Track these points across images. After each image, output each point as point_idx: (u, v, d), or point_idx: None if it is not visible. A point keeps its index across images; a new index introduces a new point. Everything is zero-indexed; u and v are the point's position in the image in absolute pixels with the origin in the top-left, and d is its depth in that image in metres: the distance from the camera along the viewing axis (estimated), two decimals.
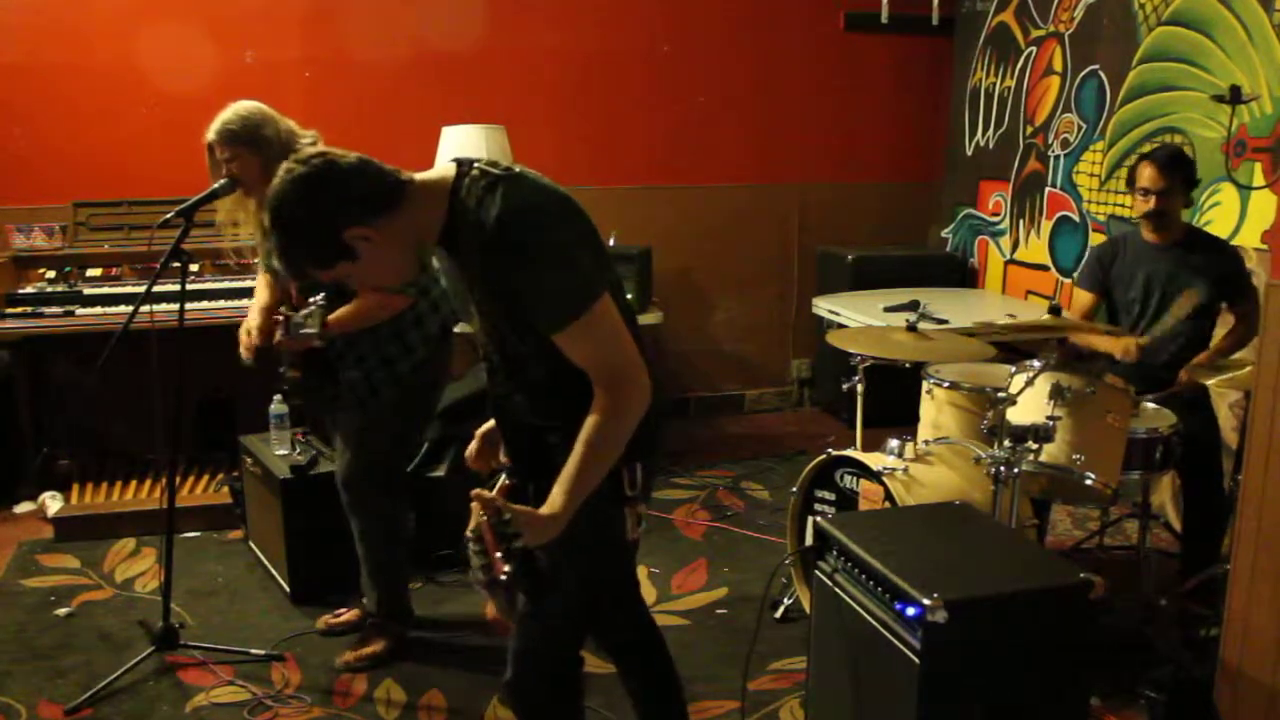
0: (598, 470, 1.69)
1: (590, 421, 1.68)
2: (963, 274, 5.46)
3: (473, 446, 2.07)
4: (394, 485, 2.97)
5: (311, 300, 2.65)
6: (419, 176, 1.75)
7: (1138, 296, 3.39)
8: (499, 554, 1.54)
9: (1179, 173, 3.29)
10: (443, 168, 1.77)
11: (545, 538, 1.66)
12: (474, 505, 1.60)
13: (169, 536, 2.92)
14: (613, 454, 1.70)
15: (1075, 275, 3.67)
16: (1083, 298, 3.57)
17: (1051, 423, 2.75)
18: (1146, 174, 3.30)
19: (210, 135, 2.71)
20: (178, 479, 3.43)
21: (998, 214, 5.26)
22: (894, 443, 2.97)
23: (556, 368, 1.72)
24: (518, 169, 1.74)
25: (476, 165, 1.73)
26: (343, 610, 3.21)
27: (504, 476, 1.95)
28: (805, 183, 5.54)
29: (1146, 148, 3.95)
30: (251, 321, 2.87)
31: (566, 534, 1.75)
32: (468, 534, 1.59)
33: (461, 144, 4.24)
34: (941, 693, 1.90)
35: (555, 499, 1.66)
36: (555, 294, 1.67)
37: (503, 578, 1.53)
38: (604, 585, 1.98)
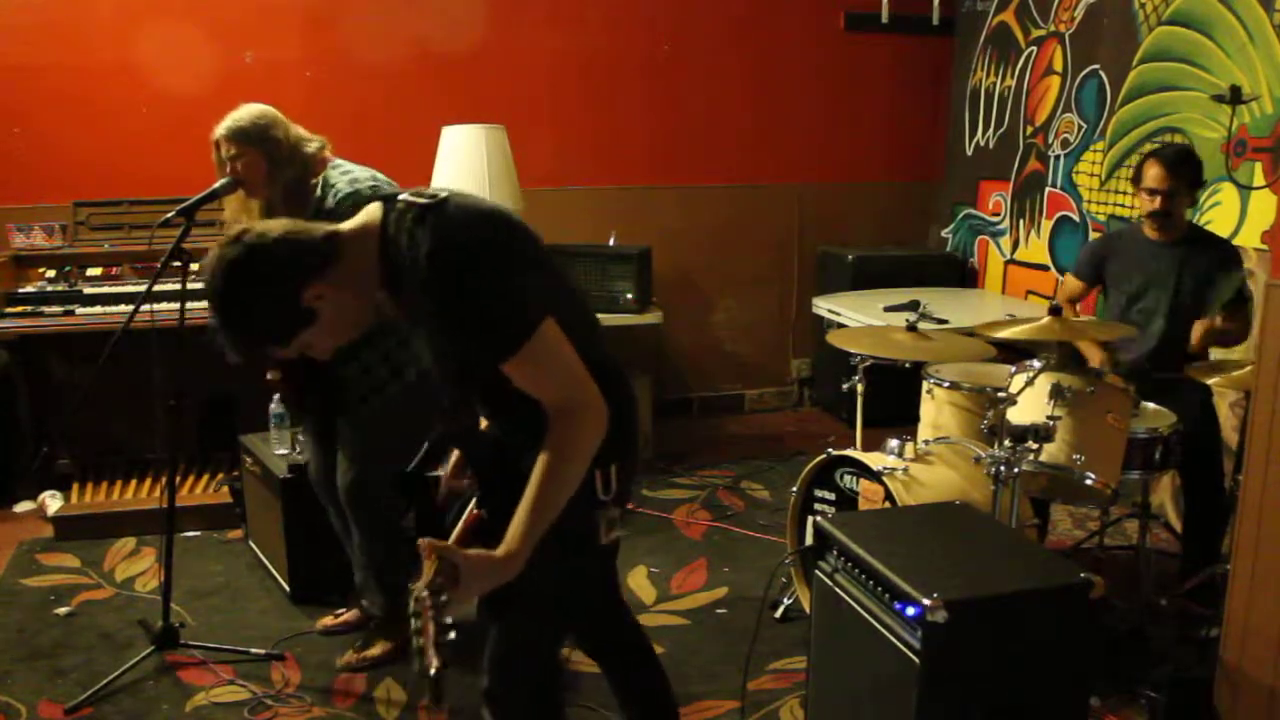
0: (554, 505, 1.64)
1: (542, 459, 1.64)
2: (963, 274, 5.46)
3: (443, 490, 2.03)
4: (398, 489, 2.94)
5: None
6: (344, 228, 1.72)
7: (1137, 293, 3.40)
8: (434, 646, 1.44)
9: (1186, 173, 3.26)
10: (367, 210, 1.73)
11: (504, 579, 1.61)
12: (424, 559, 1.54)
13: (169, 536, 2.92)
14: (568, 488, 1.65)
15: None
16: (1072, 284, 3.66)
17: (1051, 423, 2.75)
18: (1152, 173, 3.27)
19: (219, 132, 2.71)
20: (178, 478, 3.43)
21: (998, 214, 5.26)
22: (894, 443, 2.97)
23: (518, 389, 1.68)
24: (444, 194, 1.69)
25: (400, 199, 1.69)
26: (342, 610, 3.21)
27: (473, 504, 1.87)
28: (805, 183, 5.54)
29: (1147, 147, 3.95)
30: None
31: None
32: (414, 597, 1.50)
33: (461, 144, 4.24)
34: (941, 693, 1.89)
35: (511, 538, 1.61)
36: (495, 326, 1.64)
37: (432, 672, 1.42)
38: (576, 592, 1.91)
